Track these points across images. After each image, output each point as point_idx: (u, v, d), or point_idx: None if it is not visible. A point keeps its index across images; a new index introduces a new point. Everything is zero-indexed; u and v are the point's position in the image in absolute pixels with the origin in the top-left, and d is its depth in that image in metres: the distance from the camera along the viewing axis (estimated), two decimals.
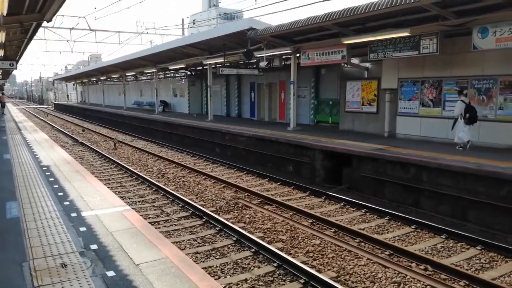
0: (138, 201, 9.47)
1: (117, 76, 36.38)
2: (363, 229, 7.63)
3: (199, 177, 11.99)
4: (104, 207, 6.19)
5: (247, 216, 8.38)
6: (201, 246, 6.79)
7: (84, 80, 51.02)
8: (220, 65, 18.16)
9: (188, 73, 28.87)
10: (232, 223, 7.73)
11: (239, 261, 6.17)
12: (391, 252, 6.48)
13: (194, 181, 11.50)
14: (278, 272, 5.77)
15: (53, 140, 17.32)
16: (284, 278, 5.60)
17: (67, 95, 76.29)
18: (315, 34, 13.64)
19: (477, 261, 6.25)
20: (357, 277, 5.64)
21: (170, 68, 25.34)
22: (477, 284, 5.39)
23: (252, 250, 6.50)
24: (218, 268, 5.92)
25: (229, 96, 25.44)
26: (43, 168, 9.24)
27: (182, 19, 35.01)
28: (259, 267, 5.95)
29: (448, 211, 8.56)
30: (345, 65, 15.11)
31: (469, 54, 10.61)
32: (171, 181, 11.56)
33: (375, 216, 8.45)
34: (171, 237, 7.17)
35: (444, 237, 7.19)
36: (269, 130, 15.58)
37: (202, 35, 19.21)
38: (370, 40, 12.15)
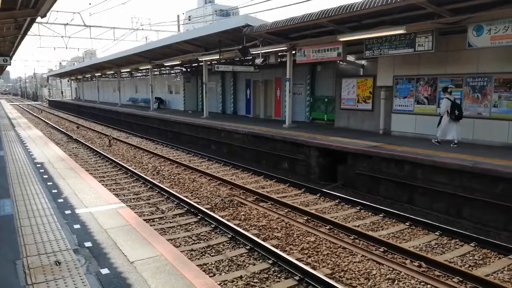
0: (133, 198, 9.44)
1: (112, 72, 36.20)
2: (358, 226, 7.66)
3: (195, 174, 11.98)
4: (98, 204, 6.16)
5: (242, 213, 8.38)
6: (196, 243, 6.78)
7: (78, 77, 50.70)
8: (216, 62, 18.11)
9: (184, 69, 28.78)
10: (227, 220, 7.72)
11: (234, 258, 6.17)
12: (386, 249, 6.51)
13: (189, 178, 11.48)
14: (273, 269, 5.77)
15: (47, 137, 17.21)
16: (279, 275, 5.61)
17: (62, 92, 75.86)
18: (311, 31, 13.63)
19: (471, 258, 6.29)
20: (352, 274, 5.66)
21: (166, 64, 25.23)
22: (471, 280, 5.42)
23: (247, 247, 6.50)
24: (213, 265, 5.92)
25: (224, 93, 25.39)
26: (37, 165, 9.18)
27: (178, 16, 34.87)
28: (254, 264, 5.96)
29: (443, 208, 8.61)
30: (340, 62, 15.12)
31: (464, 52, 10.65)
32: (166, 178, 11.54)
33: (370, 213, 8.48)
34: (166, 234, 7.16)
35: (438, 234, 7.22)
36: (265, 127, 15.57)
37: (198, 31, 19.13)
38: (365, 38, 12.15)
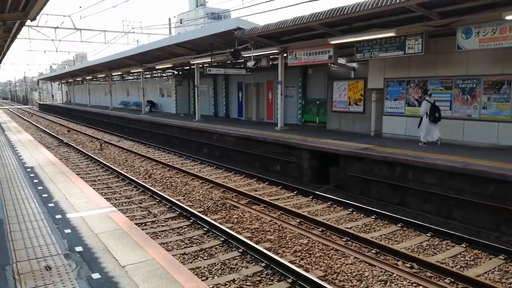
0: (125, 202, 9.38)
1: (103, 75, 36.00)
2: (350, 228, 7.68)
3: (187, 178, 11.93)
4: (89, 208, 6.11)
5: (235, 216, 8.36)
6: (188, 247, 6.75)
7: (69, 80, 50.34)
8: (208, 65, 18.10)
9: (175, 72, 28.72)
10: (220, 223, 7.70)
11: (227, 261, 6.15)
12: (378, 250, 6.53)
13: (181, 181, 11.44)
14: (266, 272, 5.77)
15: (38, 141, 17.05)
16: (272, 278, 5.60)
17: (52, 95, 75.29)
18: (302, 34, 13.69)
19: (462, 259, 6.33)
20: (344, 276, 5.67)
21: (157, 67, 25.17)
22: (462, 281, 5.46)
23: (240, 250, 6.49)
24: (205, 268, 5.89)
25: (216, 96, 25.37)
26: (27, 170, 9.09)
27: (169, 19, 34.82)
28: (247, 267, 5.95)
29: (434, 209, 8.67)
30: (332, 65, 15.20)
31: (454, 54, 10.77)
32: (158, 181, 11.48)
33: (362, 215, 8.51)
34: (158, 238, 7.12)
35: (430, 235, 7.27)
36: (257, 130, 15.58)
37: (189, 34, 19.12)
38: (356, 40, 12.25)
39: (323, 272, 5.79)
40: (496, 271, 5.91)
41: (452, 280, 5.52)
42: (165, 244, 6.77)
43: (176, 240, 7.02)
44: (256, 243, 6.68)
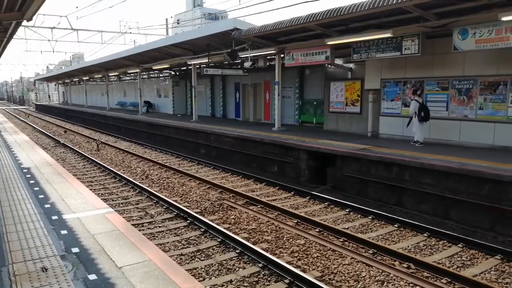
0: (122, 203, 9.36)
1: (100, 76, 35.91)
2: (347, 228, 7.69)
3: (184, 178, 11.92)
4: (86, 209, 6.10)
5: (232, 217, 8.36)
6: (185, 247, 6.74)
7: (66, 81, 50.20)
8: (205, 65, 18.08)
9: (172, 73, 28.68)
10: (217, 224, 7.70)
11: (224, 262, 6.15)
12: (375, 251, 6.54)
13: (178, 182, 11.43)
14: (263, 273, 5.77)
15: (34, 141, 17.00)
16: (269, 279, 5.60)
17: (49, 96, 75.04)
18: (299, 35, 13.70)
19: (459, 259, 6.35)
20: (342, 276, 5.68)
21: (154, 68, 25.12)
22: (459, 281, 5.48)
23: (237, 251, 6.49)
24: (202, 269, 5.89)
25: (214, 97, 25.36)
26: (24, 170, 9.06)
27: (166, 19, 34.80)
28: (244, 268, 5.94)
29: (431, 209, 8.69)
30: (329, 65, 15.20)
31: (450, 55, 10.80)
32: (155, 182, 11.46)
33: (359, 216, 8.53)
34: (155, 239, 7.11)
35: (426, 235, 7.29)
36: (254, 131, 15.58)
37: (186, 35, 19.09)
38: (353, 41, 12.26)
39: (320, 272, 5.80)
40: (493, 271, 5.93)
41: (449, 280, 5.54)
42: (162, 245, 6.76)
43: (173, 241, 7.01)
44: (253, 244, 6.68)
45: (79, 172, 12.83)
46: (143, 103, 29.43)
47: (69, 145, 18.51)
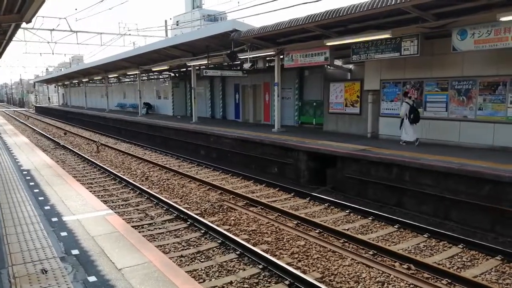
0: (122, 205, 9.35)
1: (100, 78, 35.93)
2: (347, 229, 7.68)
3: (184, 180, 11.91)
4: (86, 211, 6.09)
5: (232, 218, 8.35)
6: (185, 249, 6.74)
7: (65, 82, 50.20)
8: (204, 67, 18.09)
9: (172, 74, 28.69)
10: (217, 225, 7.69)
11: (224, 263, 6.14)
12: (375, 252, 6.54)
13: (178, 183, 11.42)
14: (263, 274, 5.76)
15: (34, 143, 16.98)
16: (269, 280, 5.60)
17: (49, 98, 75.03)
18: (298, 36, 13.71)
19: (459, 260, 6.35)
20: (342, 278, 5.67)
21: (154, 69, 25.14)
22: (459, 282, 5.47)
23: (237, 252, 6.48)
24: (203, 271, 5.88)
25: (213, 98, 25.37)
26: (24, 172, 9.05)
27: (165, 21, 34.81)
28: (244, 270, 5.94)
29: (431, 210, 8.68)
30: (328, 66, 15.22)
31: (449, 55, 10.81)
32: (155, 184, 11.46)
33: (359, 217, 8.52)
34: (155, 240, 7.10)
35: (426, 236, 7.28)
36: (254, 132, 15.58)
37: (186, 36, 19.11)
38: (352, 42, 12.27)
39: (321, 274, 5.79)
40: (493, 272, 5.93)
41: (449, 281, 5.53)
42: (162, 247, 6.75)
43: (173, 243, 7.00)
44: (254, 245, 6.67)
45: (79, 174, 12.82)
46: (143, 104, 29.43)
47: (69, 147, 18.50)
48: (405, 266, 6.00)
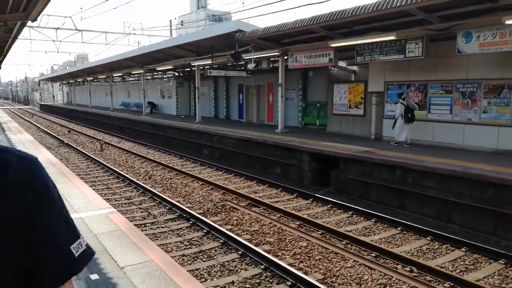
0: (125, 203, 9.37)
1: (104, 77, 36.04)
2: (350, 231, 7.67)
3: (187, 179, 11.93)
4: (89, 209, 6.12)
5: (234, 218, 8.36)
6: (187, 248, 6.74)
7: (70, 81, 50.39)
8: (208, 67, 18.12)
9: (176, 74, 28.74)
10: (220, 225, 7.70)
11: (226, 263, 6.15)
12: (377, 254, 6.52)
13: (181, 183, 11.44)
14: (265, 274, 5.76)
15: (38, 141, 17.07)
16: (271, 280, 5.59)
17: (53, 96, 75.34)
18: (302, 37, 13.71)
19: (462, 263, 6.32)
20: (344, 279, 5.66)
21: (158, 69, 25.20)
22: (462, 285, 5.45)
23: (239, 252, 6.48)
24: (204, 270, 5.89)
25: (217, 98, 25.39)
26: None
27: (170, 20, 34.90)
28: (246, 270, 5.94)
29: (434, 213, 8.66)
30: (332, 68, 15.21)
31: (454, 58, 10.78)
32: (158, 183, 11.48)
33: (362, 218, 8.51)
34: (157, 239, 7.11)
35: (429, 239, 7.26)
36: (257, 132, 15.58)
37: (190, 36, 19.16)
38: (356, 44, 12.25)
39: (323, 275, 5.78)
40: (496, 275, 5.90)
41: (452, 284, 5.50)
42: (164, 246, 6.76)
43: (176, 242, 7.01)
44: (256, 245, 6.67)
45: (82, 172, 12.87)
46: (147, 103, 29.49)
47: (73, 145, 18.57)
48: (407, 269, 5.98)
